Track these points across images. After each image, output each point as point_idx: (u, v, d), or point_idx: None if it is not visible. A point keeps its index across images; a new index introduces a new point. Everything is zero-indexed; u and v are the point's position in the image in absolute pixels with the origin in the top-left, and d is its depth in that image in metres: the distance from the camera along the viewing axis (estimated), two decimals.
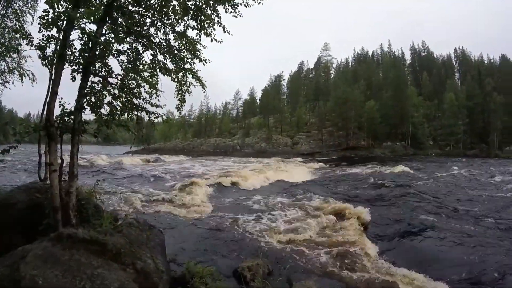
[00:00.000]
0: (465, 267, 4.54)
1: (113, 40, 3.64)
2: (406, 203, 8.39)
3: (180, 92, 4.12)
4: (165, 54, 3.99)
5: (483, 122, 51.53)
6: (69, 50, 3.39)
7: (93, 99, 3.56)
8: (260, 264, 4.15)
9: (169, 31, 3.97)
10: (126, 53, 3.79)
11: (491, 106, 50.10)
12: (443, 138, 50.48)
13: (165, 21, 3.94)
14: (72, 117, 3.32)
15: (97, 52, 3.46)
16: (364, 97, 49.47)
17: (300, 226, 6.17)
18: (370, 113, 47.34)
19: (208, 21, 3.95)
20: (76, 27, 3.22)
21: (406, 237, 5.84)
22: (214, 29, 4.00)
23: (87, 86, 3.46)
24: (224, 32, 4.06)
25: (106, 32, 3.62)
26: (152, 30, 3.93)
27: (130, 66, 3.75)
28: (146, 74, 3.87)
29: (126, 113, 3.77)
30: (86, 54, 3.39)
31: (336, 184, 13.27)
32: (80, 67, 3.40)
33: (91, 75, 3.49)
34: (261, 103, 58.63)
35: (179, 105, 4.14)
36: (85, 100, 3.45)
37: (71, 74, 3.39)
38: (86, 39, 3.29)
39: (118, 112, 3.67)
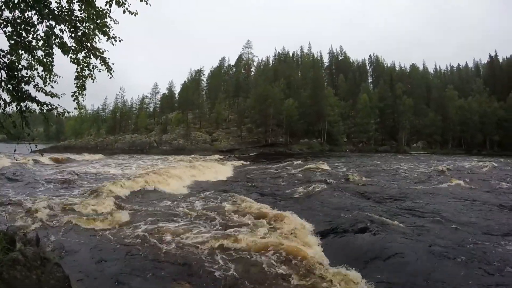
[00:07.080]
0: (401, 263, 4.62)
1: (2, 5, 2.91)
2: (335, 199, 8.63)
3: (81, 77, 3.50)
4: (63, 26, 3.24)
5: (393, 121, 55.40)
6: None
7: None
8: None
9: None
10: (16, 22, 3.02)
11: (401, 108, 54.62)
12: (356, 135, 53.14)
13: None
14: None
15: None
16: (284, 95, 50.27)
17: (231, 234, 5.56)
18: (289, 111, 48.19)
19: None
20: None
21: (341, 235, 5.84)
22: None
23: None
24: (141, 0, 3.45)
25: None
26: None
27: (19, 40, 3.05)
28: (40, 52, 3.22)
29: (15, 103, 3.13)
30: None
31: (260, 183, 12.95)
32: None
33: None
34: (180, 98, 56.49)
35: (76, 93, 3.52)
36: None
37: None
38: None
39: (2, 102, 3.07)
